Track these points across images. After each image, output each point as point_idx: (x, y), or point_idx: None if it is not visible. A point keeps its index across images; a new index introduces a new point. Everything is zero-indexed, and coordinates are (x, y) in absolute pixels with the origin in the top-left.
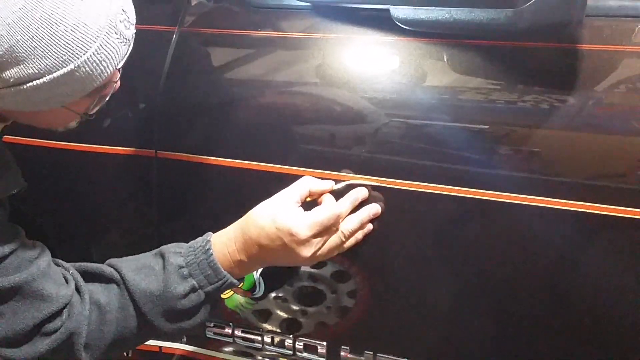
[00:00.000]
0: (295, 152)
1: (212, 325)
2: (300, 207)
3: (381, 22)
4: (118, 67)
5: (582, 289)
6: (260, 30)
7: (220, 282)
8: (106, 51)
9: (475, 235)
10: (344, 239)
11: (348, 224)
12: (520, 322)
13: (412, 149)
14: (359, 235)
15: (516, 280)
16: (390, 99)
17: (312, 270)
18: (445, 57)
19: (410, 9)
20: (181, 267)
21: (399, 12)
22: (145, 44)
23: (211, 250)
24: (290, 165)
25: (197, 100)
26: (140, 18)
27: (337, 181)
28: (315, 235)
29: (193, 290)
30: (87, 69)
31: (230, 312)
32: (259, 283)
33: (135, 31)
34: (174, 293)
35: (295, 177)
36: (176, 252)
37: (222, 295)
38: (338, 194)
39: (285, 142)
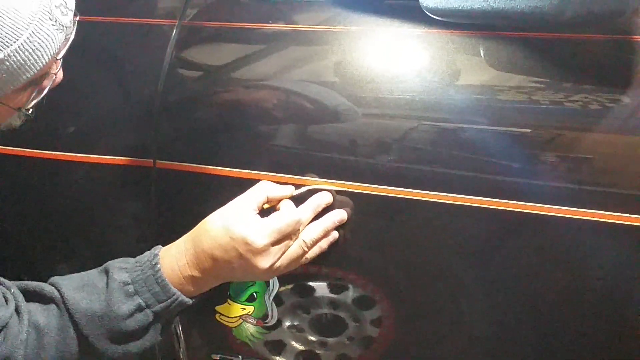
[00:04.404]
0: (316, 162)
1: (218, 358)
2: (257, 215)
3: (409, 12)
4: (57, 58)
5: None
6: (272, 23)
7: (169, 301)
8: (40, 39)
9: (518, 254)
10: (306, 249)
11: (310, 232)
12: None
13: (445, 156)
14: (324, 244)
15: (567, 309)
16: (420, 100)
17: (332, 295)
18: (481, 51)
19: None
20: (126, 283)
21: (429, 0)
22: (141, 40)
23: (159, 265)
24: (312, 177)
25: (200, 103)
26: (136, 10)
27: (297, 186)
28: (273, 244)
29: (139, 309)
30: (19, 58)
31: (240, 343)
32: (272, 310)
33: (75, 18)
34: (117, 313)
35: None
36: (121, 268)
37: (230, 324)
38: (299, 200)
39: (305, 149)
